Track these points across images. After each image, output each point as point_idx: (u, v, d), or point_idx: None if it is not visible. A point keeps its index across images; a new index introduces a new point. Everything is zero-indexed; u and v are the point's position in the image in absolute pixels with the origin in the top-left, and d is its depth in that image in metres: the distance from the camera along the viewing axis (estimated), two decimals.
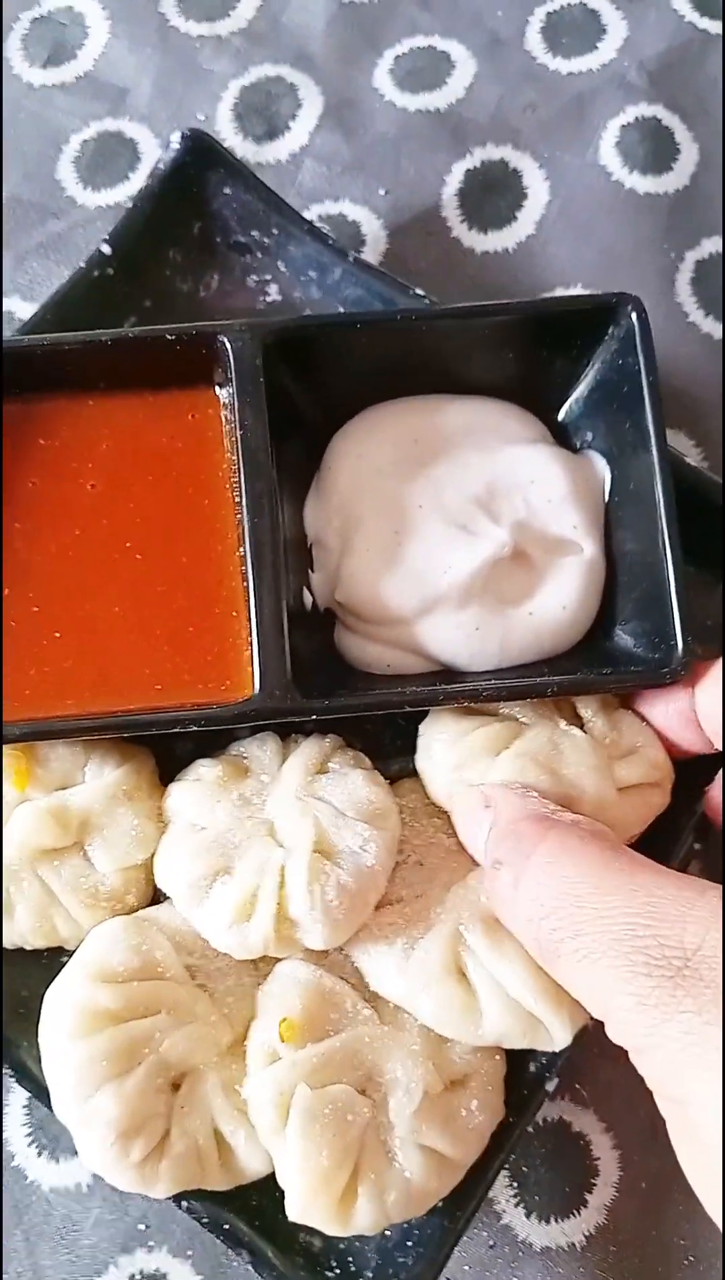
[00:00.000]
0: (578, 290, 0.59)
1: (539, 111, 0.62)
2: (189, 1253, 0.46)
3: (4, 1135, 0.48)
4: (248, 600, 0.43)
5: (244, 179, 0.54)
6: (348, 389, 0.48)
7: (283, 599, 0.43)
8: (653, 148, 0.61)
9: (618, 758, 0.45)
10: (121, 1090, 0.41)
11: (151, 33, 0.63)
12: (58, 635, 0.45)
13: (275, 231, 0.55)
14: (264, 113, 0.62)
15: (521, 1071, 0.45)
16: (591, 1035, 0.44)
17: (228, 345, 0.45)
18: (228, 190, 0.54)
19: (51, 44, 0.63)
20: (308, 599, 0.47)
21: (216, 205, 0.55)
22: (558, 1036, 0.42)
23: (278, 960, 0.44)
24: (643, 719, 0.46)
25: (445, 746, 0.45)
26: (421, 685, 0.45)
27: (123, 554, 0.46)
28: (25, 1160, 0.47)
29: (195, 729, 0.43)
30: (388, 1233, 0.44)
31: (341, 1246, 0.44)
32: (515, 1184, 0.47)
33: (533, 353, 0.48)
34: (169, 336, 0.46)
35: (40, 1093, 0.43)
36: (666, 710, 0.45)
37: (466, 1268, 0.47)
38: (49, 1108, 0.43)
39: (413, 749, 0.47)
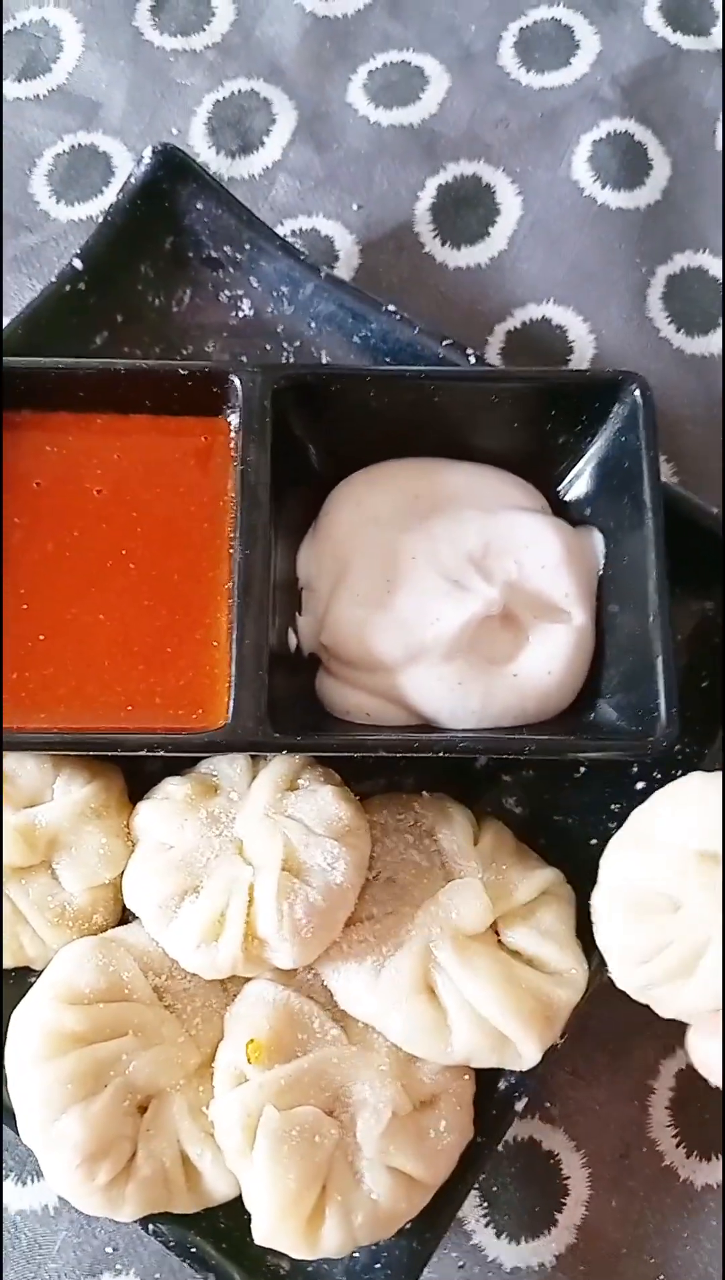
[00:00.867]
0: (549, 306, 0.59)
1: (511, 126, 0.62)
2: (156, 1276, 0.46)
3: None
4: (231, 630, 0.43)
5: (216, 194, 0.54)
6: (354, 441, 0.49)
7: (266, 633, 0.43)
8: (625, 162, 0.61)
9: None
10: (88, 1113, 0.40)
11: (125, 46, 0.63)
12: (42, 638, 0.45)
13: (247, 247, 0.55)
14: (237, 127, 0.62)
15: (491, 1091, 0.44)
16: (561, 1054, 0.44)
17: (238, 384, 0.47)
18: (200, 205, 0.54)
19: (26, 56, 0.63)
20: (292, 641, 0.47)
21: (189, 220, 0.55)
22: (527, 1055, 0.42)
23: (246, 980, 0.44)
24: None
25: None
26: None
27: (117, 561, 0.46)
28: None
29: (164, 754, 0.43)
30: (356, 1254, 0.43)
31: (309, 1269, 0.44)
32: (485, 1203, 0.47)
33: (538, 424, 0.49)
34: (181, 371, 0.47)
35: (6, 1115, 0.43)
36: None
37: None
38: (15, 1130, 0.42)
39: (387, 767, 0.47)
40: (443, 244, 0.60)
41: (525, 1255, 0.47)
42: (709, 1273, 0.47)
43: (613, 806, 0.49)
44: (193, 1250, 0.43)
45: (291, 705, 0.45)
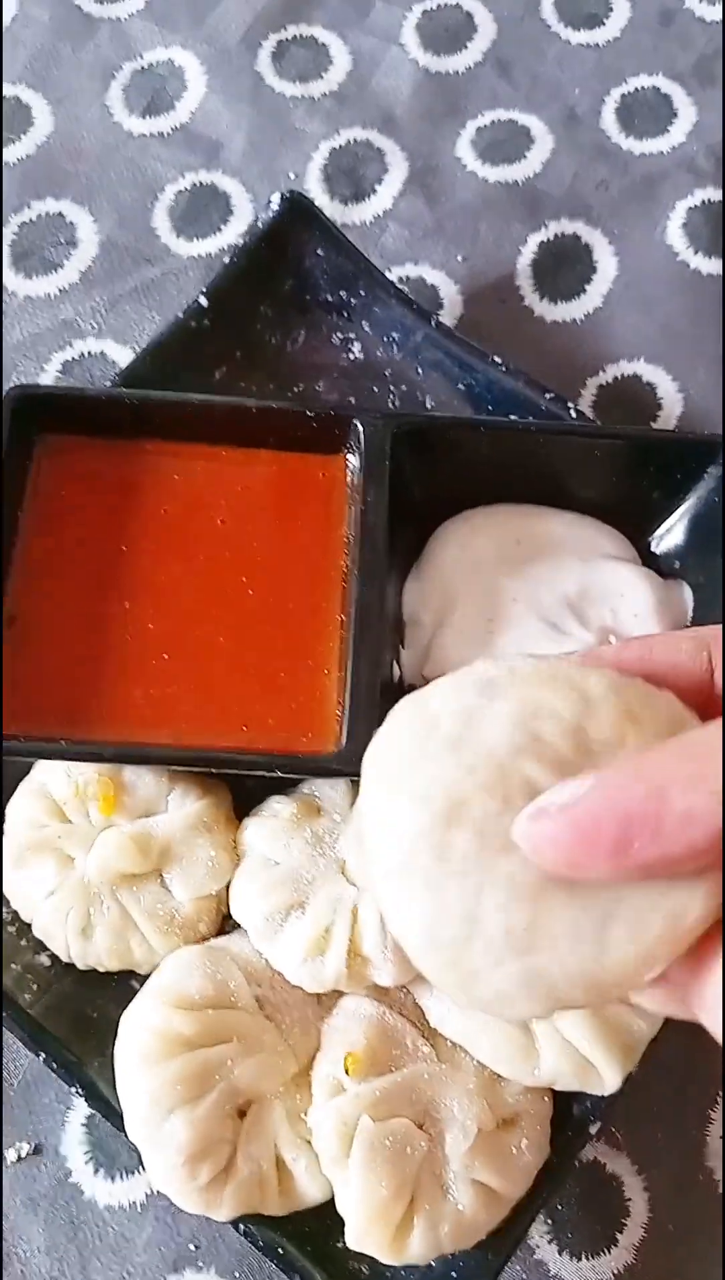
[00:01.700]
0: (640, 364, 0.62)
1: (611, 189, 0.65)
2: (236, 1274, 0.48)
3: (62, 1151, 0.49)
4: (346, 662, 0.46)
5: (337, 241, 0.57)
6: (458, 484, 0.52)
7: (379, 667, 0.46)
8: (717, 231, 0.64)
9: None
10: (193, 1115, 0.43)
11: (247, 90, 0.66)
12: (166, 657, 0.47)
13: (362, 293, 0.57)
14: (351, 175, 0.64)
15: (565, 1113, 0.47)
16: (633, 1081, 0.47)
17: (361, 429, 0.49)
18: (320, 251, 0.57)
19: (151, 94, 0.65)
20: (396, 673, 0.50)
21: (308, 264, 0.58)
22: (609, 1080, 0.44)
23: (341, 995, 0.47)
24: None
25: None
26: None
27: (237, 588, 0.49)
28: (82, 1176, 0.49)
29: (280, 774, 0.46)
30: (432, 1264, 0.46)
31: (387, 1275, 0.46)
32: (549, 1220, 0.49)
33: (634, 478, 0.51)
34: (309, 414, 0.50)
35: (108, 1111, 0.45)
36: None
37: None
38: (115, 1126, 0.45)
39: None
40: (541, 298, 0.63)
41: (585, 1272, 0.49)
42: None
43: None
44: (280, 1251, 0.45)
45: None
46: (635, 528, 0.53)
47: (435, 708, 0.28)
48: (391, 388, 0.58)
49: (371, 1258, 0.43)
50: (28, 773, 0.50)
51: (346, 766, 0.45)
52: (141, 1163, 0.44)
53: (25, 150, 0.64)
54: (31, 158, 0.64)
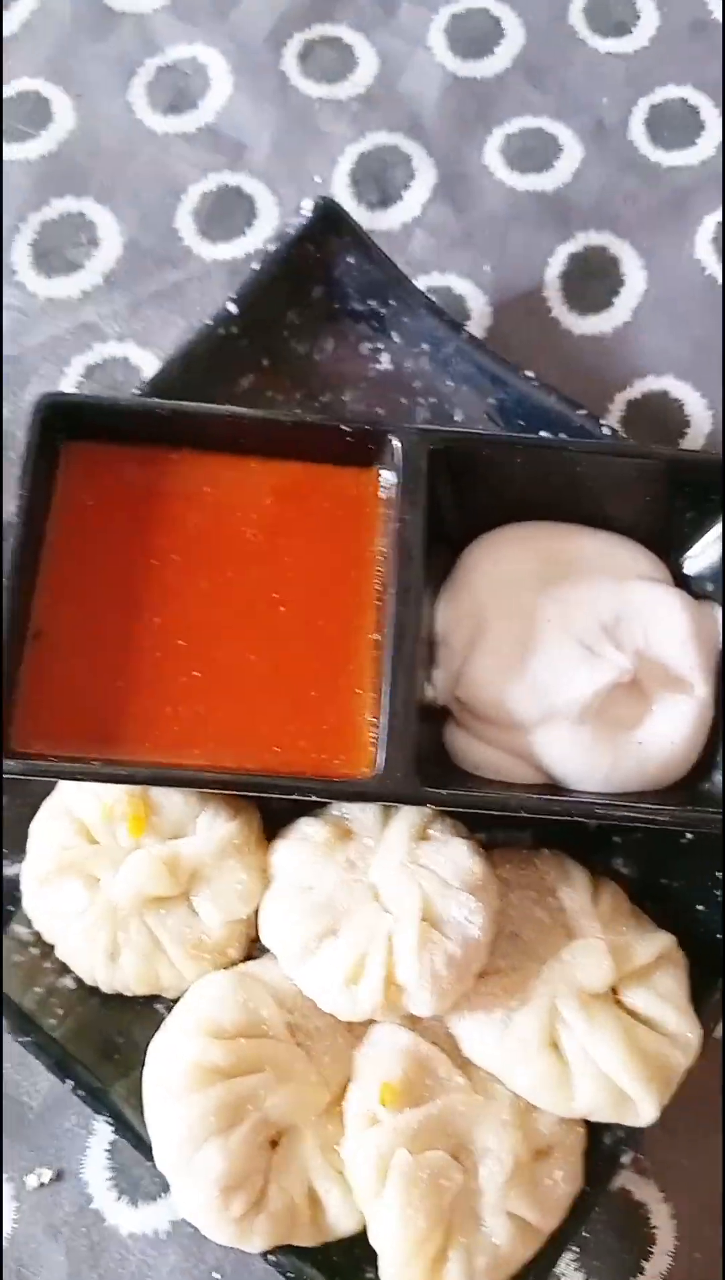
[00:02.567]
0: (669, 379, 0.61)
1: (640, 202, 0.64)
2: None
3: (83, 1177, 0.48)
4: (383, 684, 0.45)
5: (367, 250, 0.56)
6: (491, 501, 0.51)
7: (415, 688, 0.45)
8: None
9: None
10: (226, 1146, 0.42)
11: (273, 90, 0.64)
12: (196, 675, 0.46)
13: (392, 303, 0.56)
14: (379, 180, 0.63)
15: (597, 1143, 0.46)
16: (664, 1111, 0.46)
17: (398, 445, 0.48)
18: (351, 259, 0.56)
19: (174, 91, 0.64)
20: (428, 692, 0.49)
21: (338, 272, 0.56)
22: (644, 1114, 0.44)
23: (372, 1022, 0.46)
24: None
25: None
26: (529, 793, 0.47)
27: (269, 605, 0.47)
28: (105, 1203, 0.48)
29: (315, 798, 0.45)
30: None
31: None
32: (576, 1248, 0.49)
33: (668, 499, 0.51)
34: (344, 428, 0.48)
35: (134, 1138, 0.44)
36: None
37: None
38: (142, 1154, 0.44)
39: (506, 820, 0.49)
40: (569, 310, 0.62)
41: None
42: None
43: (717, 873, 0.51)
44: None
45: (424, 755, 0.47)
46: (667, 548, 0.53)
47: None
48: (419, 400, 0.57)
49: None
50: (50, 792, 0.49)
51: (382, 791, 0.44)
52: (165, 1190, 0.43)
53: (46, 146, 0.62)
54: (53, 154, 0.62)
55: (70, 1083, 0.45)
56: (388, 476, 0.49)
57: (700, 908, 0.50)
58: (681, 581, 0.53)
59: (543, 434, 0.54)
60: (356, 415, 0.56)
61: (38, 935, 0.47)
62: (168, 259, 0.60)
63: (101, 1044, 0.47)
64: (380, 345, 0.57)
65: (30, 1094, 0.49)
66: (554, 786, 0.48)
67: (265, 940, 0.46)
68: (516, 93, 0.66)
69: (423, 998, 0.43)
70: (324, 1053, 0.45)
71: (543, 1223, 0.44)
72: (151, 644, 0.47)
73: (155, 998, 0.47)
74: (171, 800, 0.47)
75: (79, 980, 0.47)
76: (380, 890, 0.46)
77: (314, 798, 0.45)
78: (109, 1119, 0.45)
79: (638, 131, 0.66)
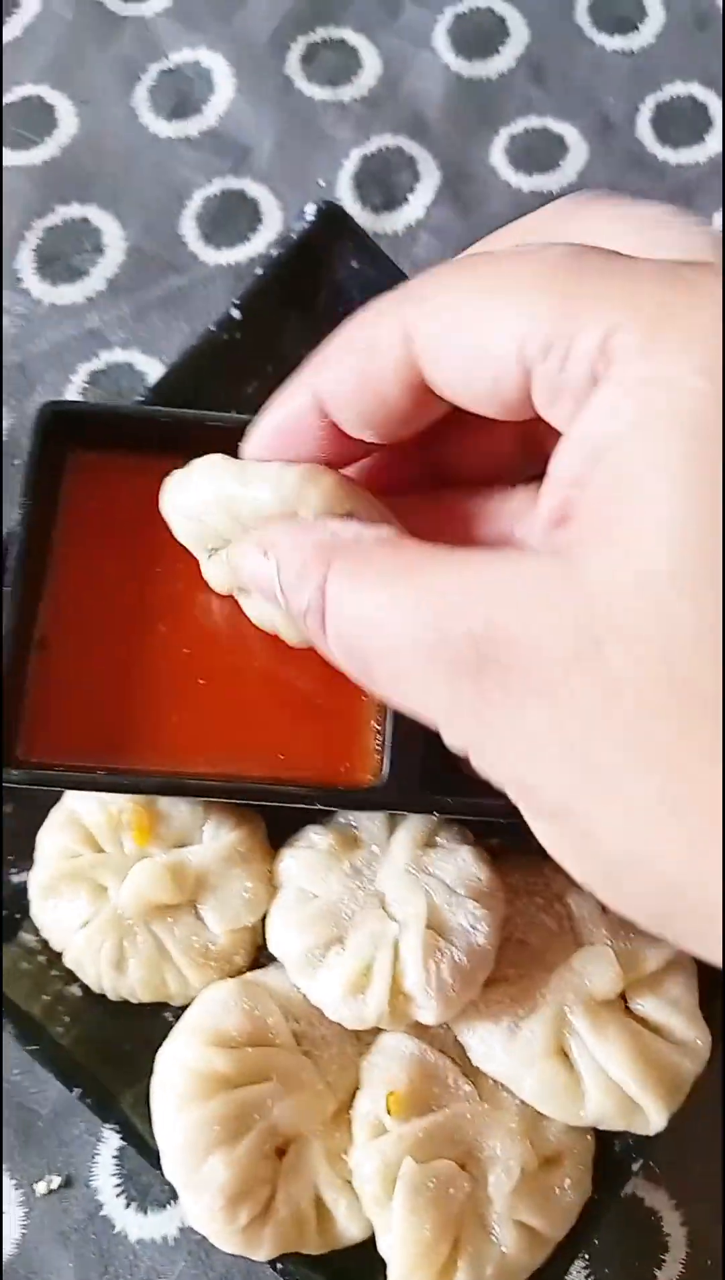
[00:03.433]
0: None
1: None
2: None
3: (93, 1184, 0.48)
4: None
5: (372, 254, 0.55)
6: None
7: None
8: None
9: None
10: (232, 1156, 0.42)
11: (275, 93, 0.64)
12: (202, 683, 0.46)
13: None
14: (383, 182, 0.63)
15: (606, 1150, 0.46)
16: (674, 1117, 0.46)
17: None
18: (354, 264, 0.56)
19: (177, 95, 0.64)
20: None
21: (342, 277, 0.56)
22: (654, 1121, 0.44)
23: (379, 1030, 0.46)
24: None
25: None
26: None
27: None
28: (113, 1210, 0.48)
29: (321, 807, 0.45)
30: None
31: None
32: (586, 1256, 0.49)
33: None
34: None
35: (142, 1146, 0.44)
36: None
37: None
38: (151, 1163, 0.44)
39: (510, 826, 0.49)
40: None
41: None
42: None
43: None
44: None
45: (431, 762, 0.47)
46: None
47: None
48: None
49: None
50: (57, 800, 0.49)
51: (388, 799, 0.44)
52: (175, 1197, 0.43)
53: (50, 153, 0.62)
54: (56, 160, 0.62)
55: (77, 1090, 0.45)
56: None
57: None
58: None
59: None
60: None
61: (44, 943, 0.48)
62: (172, 264, 0.60)
63: (109, 1051, 0.47)
64: None
65: (39, 1101, 0.49)
66: None
67: (272, 949, 0.46)
68: (521, 92, 0.66)
69: (429, 1006, 0.43)
70: (331, 1061, 0.45)
71: (552, 1231, 0.44)
72: (157, 652, 0.47)
73: (162, 1005, 0.47)
74: (177, 808, 0.47)
75: (86, 988, 0.47)
76: (387, 898, 0.46)
77: (319, 806, 0.45)
78: (117, 1127, 0.45)
79: (644, 129, 0.65)
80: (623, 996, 0.46)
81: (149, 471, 0.49)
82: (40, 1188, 0.48)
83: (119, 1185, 0.48)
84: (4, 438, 0.57)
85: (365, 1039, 0.46)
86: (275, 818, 0.50)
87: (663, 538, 0.23)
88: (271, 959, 0.47)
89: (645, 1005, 0.46)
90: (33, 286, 0.60)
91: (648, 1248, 0.49)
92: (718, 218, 0.63)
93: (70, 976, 0.48)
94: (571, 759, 0.25)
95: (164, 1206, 0.48)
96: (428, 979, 0.43)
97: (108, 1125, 0.45)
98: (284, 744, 0.46)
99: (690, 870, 0.24)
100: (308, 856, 0.47)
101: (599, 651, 0.24)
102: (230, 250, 0.61)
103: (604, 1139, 0.46)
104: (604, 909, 0.48)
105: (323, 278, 0.56)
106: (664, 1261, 0.49)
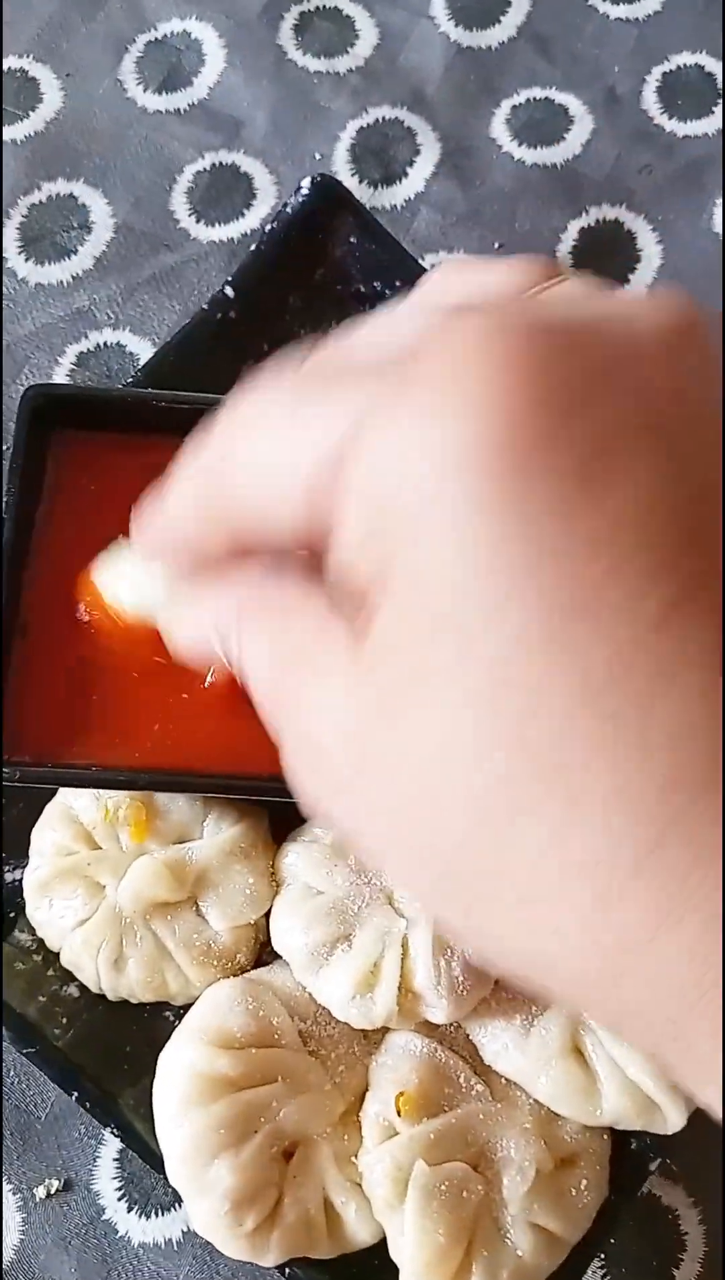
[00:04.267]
0: None
1: (655, 174, 0.62)
2: None
3: (94, 1187, 0.47)
4: None
5: (370, 229, 0.54)
6: None
7: None
8: None
9: None
10: (238, 1160, 0.40)
11: (268, 64, 0.62)
12: (205, 687, 0.44)
13: (398, 284, 0.54)
14: (381, 156, 0.61)
15: (623, 1149, 0.45)
16: (692, 1115, 0.45)
17: None
18: (353, 239, 0.54)
19: (167, 68, 0.62)
20: None
21: (340, 253, 0.54)
22: (672, 1121, 0.42)
23: (388, 1029, 0.44)
24: None
25: None
26: None
27: None
28: (115, 1213, 0.47)
29: None
30: None
31: None
32: (603, 1254, 0.48)
33: None
34: None
35: (144, 1150, 0.43)
36: None
37: None
38: (153, 1167, 0.43)
39: None
40: None
41: None
42: None
43: None
44: None
45: None
46: None
47: None
48: None
49: None
50: (52, 796, 0.47)
51: None
52: (178, 1200, 0.42)
53: (34, 127, 0.60)
54: (41, 135, 0.60)
55: (76, 1094, 0.44)
56: None
57: None
58: None
59: None
60: None
61: (40, 942, 0.46)
62: (162, 242, 0.58)
63: (108, 1053, 0.46)
64: None
65: (37, 1103, 0.48)
66: None
67: (276, 946, 0.45)
68: (524, 62, 0.64)
69: (439, 1005, 0.42)
70: (339, 1061, 0.44)
71: (568, 1233, 0.42)
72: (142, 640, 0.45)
73: (163, 1005, 0.46)
74: (176, 804, 0.46)
75: (83, 988, 0.46)
76: (394, 893, 0.44)
77: None
78: (117, 1130, 0.44)
79: (651, 101, 0.63)
80: None
81: (139, 453, 0.48)
82: (40, 1192, 0.47)
83: (120, 1188, 0.47)
84: None
85: (373, 1038, 0.45)
86: (277, 811, 0.48)
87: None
88: (275, 957, 0.45)
89: None
90: (18, 266, 0.58)
91: (665, 1246, 0.48)
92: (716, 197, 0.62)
93: (67, 976, 0.46)
94: None
95: (167, 1209, 0.47)
96: (438, 977, 0.41)
97: (109, 1129, 0.43)
98: None
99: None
100: (312, 851, 0.46)
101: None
102: (223, 227, 0.59)
103: (620, 1137, 0.45)
104: None
105: (320, 254, 0.54)
106: (682, 1260, 0.48)
